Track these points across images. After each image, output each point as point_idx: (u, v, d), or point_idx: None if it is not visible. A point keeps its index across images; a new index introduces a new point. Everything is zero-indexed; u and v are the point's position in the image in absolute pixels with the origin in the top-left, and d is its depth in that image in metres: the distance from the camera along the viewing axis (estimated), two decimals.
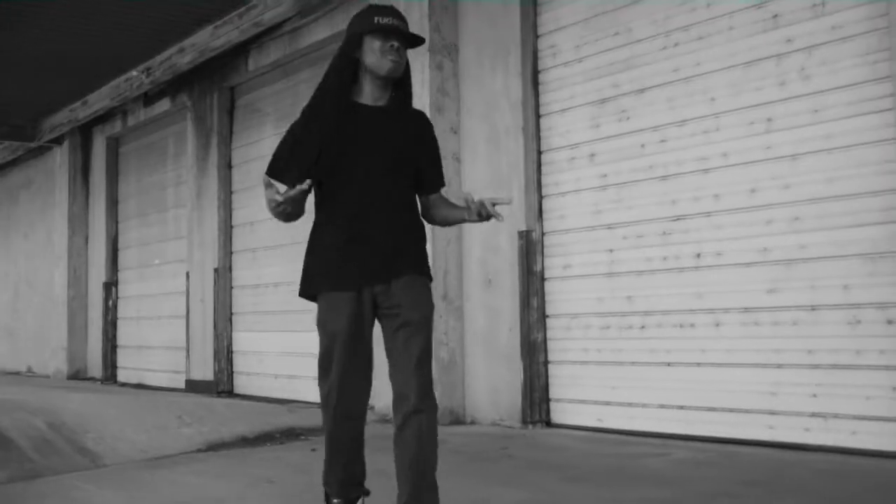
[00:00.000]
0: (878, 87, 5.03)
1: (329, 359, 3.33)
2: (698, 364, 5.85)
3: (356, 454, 3.46)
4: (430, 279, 3.43)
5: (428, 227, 3.58)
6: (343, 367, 3.30)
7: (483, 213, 3.28)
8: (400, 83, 3.42)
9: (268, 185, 3.21)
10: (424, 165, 3.47)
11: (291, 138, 3.39)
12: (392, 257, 3.31)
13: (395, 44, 3.29)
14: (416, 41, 3.38)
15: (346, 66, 3.34)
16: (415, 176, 3.45)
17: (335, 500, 3.49)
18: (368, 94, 3.37)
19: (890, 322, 4.96)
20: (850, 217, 5.15)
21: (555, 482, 4.71)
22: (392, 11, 3.34)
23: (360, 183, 3.31)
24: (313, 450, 6.00)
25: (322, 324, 3.35)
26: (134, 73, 11.12)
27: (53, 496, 4.77)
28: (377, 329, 3.39)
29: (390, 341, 3.32)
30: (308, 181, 3.16)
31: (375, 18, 3.29)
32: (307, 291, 3.46)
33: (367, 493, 3.58)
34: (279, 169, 3.36)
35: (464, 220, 3.44)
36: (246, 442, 6.41)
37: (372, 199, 3.31)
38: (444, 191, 3.61)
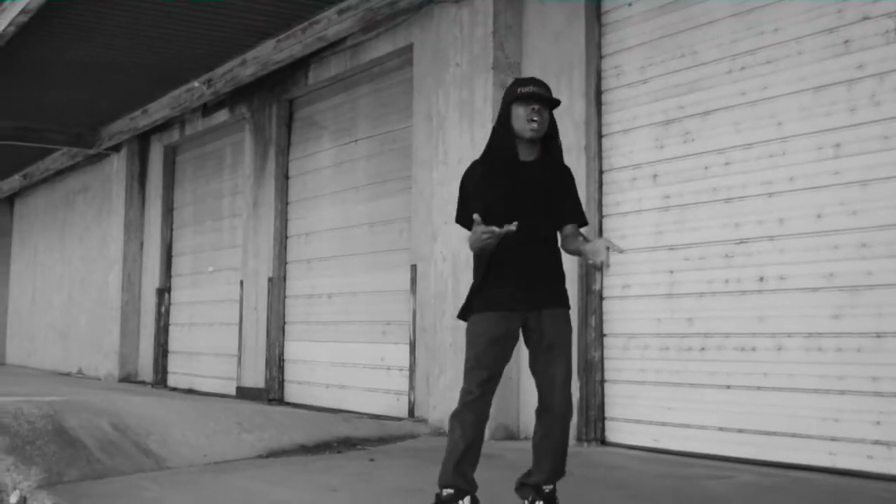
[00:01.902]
0: None
1: (476, 361, 4.04)
2: (759, 388, 5.84)
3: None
4: (568, 308, 4.17)
5: None
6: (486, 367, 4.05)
7: (597, 261, 3.92)
8: (548, 138, 4.11)
9: (478, 223, 3.84)
10: (562, 204, 4.14)
11: (468, 192, 4.12)
12: (542, 288, 4.05)
13: (537, 106, 3.97)
14: (555, 104, 4.07)
15: (503, 131, 4.08)
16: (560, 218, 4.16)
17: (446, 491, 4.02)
18: (520, 151, 4.07)
19: None
20: None
21: (618, 500, 4.74)
22: (533, 81, 4.08)
23: (514, 219, 3.84)
24: (372, 460, 6.08)
25: (476, 331, 4.07)
26: (196, 83, 11.32)
27: (124, 496, 4.89)
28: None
29: (536, 360, 4.12)
30: (516, 223, 3.79)
31: (519, 89, 4.03)
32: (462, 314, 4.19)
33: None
34: (463, 218, 4.08)
35: (581, 254, 4.09)
36: (305, 450, 6.50)
37: (528, 235, 3.93)
38: (586, 230, 4.31)
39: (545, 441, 4.09)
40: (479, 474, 4.09)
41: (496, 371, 4.03)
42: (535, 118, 3.95)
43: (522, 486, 4.20)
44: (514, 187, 4.02)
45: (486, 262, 4.02)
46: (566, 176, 4.23)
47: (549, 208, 4.08)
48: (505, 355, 4.05)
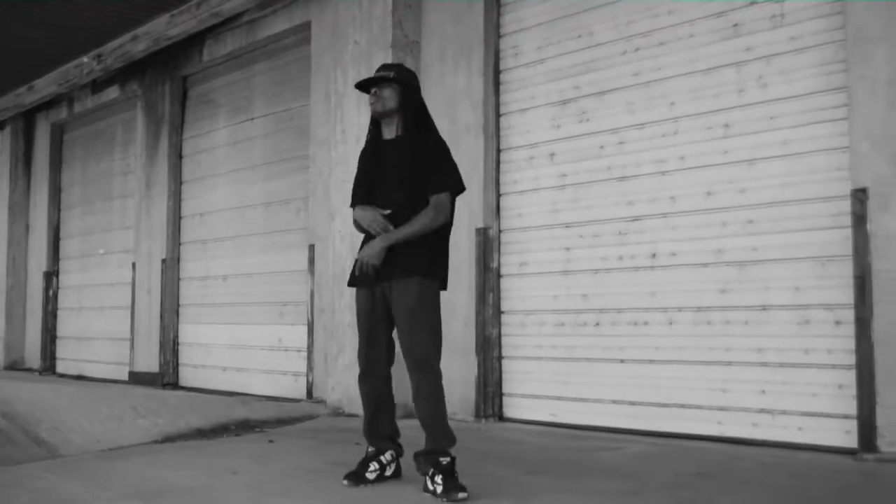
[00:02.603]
0: (833, 97, 5.23)
1: (358, 331, 4.51)
2: (651, 361, 6.01)
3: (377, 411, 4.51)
4: (422, 275, 4.29)
5: None
6: (362, 338, 4.49)
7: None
8: (404, 115, 4.42)
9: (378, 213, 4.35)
10: (423, 175, 4.33)
11: (356, 175, 4.61)
12: (388, 265, 4.30)
13: (374, 89, 4.43)
14: (395, 80, 4.41)
15: (372, 116, 4.53)
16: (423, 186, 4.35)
17: (369, 449, 4.52)
18: (385, 131, 4.50)
19: (838, 323, 5.16)
20: (802, 221, 5.35)
21: (514, 474, 4.81)
22: (381, 67, 4.52)
23: (381, 198, 4.37)
24: (271, 441, 6.02)
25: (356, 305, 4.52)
26: (85, 59, 10.96)
27: (15, 485, 4.71)
28: None
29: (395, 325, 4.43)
30: (388, 211, 4.31)
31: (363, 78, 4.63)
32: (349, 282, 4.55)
33: (399, 452, 4.55)
34: (353, 201, 4.52)
35: None
36: (202, 434, 6.40)
37: (382, 210, 4.34)
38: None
39: (416, 409, 4.31)
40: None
41: (372, 343, 4.42)
42: (371, 99, 4.43)
43: (416, 457, 4.37)
44: (374, 165, 4.46)
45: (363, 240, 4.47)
46: (425, 146, 4.40)
47: (406, 182, 4.31)
48: (376, 329, 4.40)
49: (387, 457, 4.50)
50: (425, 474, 4.25)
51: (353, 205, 4.51)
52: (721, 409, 5.63)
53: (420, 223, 4.28)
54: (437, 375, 4.29)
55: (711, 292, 5.73)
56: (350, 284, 4.50)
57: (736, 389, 5.57)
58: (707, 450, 5.39)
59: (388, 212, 4.30)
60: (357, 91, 7.47)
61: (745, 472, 4.76)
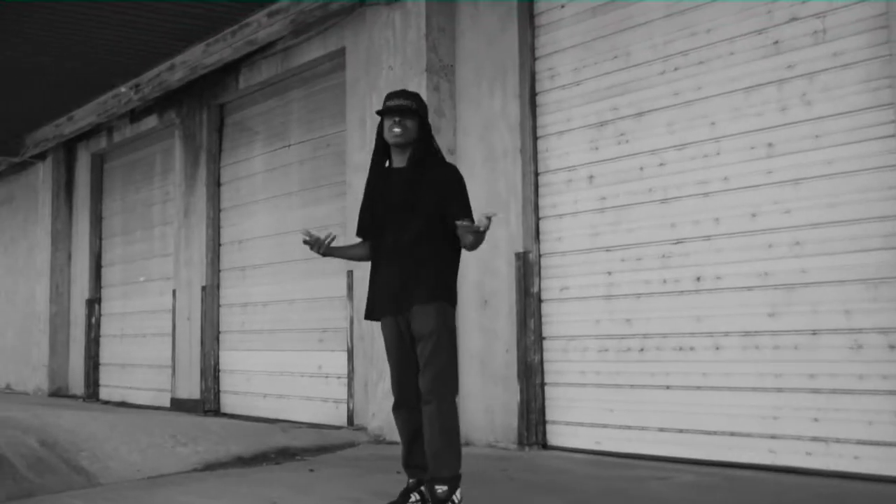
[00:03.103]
0: (880, 113, 5.09)
1: (388, 361, 4.56)
2: (698, 387, 5.87)
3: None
4: (443, 300, 4.36)
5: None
6: (393, 368, 4.55)
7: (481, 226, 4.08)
8: (418, 145, 4.44)
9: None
10: (444, 204, 4.36)
11: (362, 203, 4.60)
12: (407, 292, 4.35)
13: (397, 118, 4.39)
14: (420, 112, 4.45)
15: (378, 143, 4.55)
16: (442, 219, 4.36)
17: (409, 480, 4.52)
18: (395, 159, 4.51)
19: (892, 347, 4.99)
20: (851, 242, 5.20)
21: None
22: (399, 94, 4.51)
23: (394, 225, 4.40)
24: (311, 470, 5.96)
25: (384, 336, 4.56)
26: (122, 89, 11.06)
27: None
28: None
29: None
30: (333, 234, 4.52)
31: (386, 103, 4.48)
32: (367, 315, 4.61)
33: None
34: (360, 230, 4.58)
35: (469, 239, 4.24)
36: (242, 462, 6.35)
37: (394, 239, 4.40)
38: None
39: (427, 433, 4.29)
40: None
41: (404, 373, 4.46)
42: (396, 129, 4.38)
43: (424, 488, 4.41)
44: (388, 194, 4.44)
45: (372, 269, 4.55)
46: (443, 177, 4.45)
47: (418, 211, 4.35)
48: (406, 357, 4.43)
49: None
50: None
51: (359, 235, 4.58)
52: (772, 437, 5.47)
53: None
54: (446, 401, 4.29)
55: (759, 316, 5.58)
56: (370, 318, 4.55)
57: (787, 417, 5.41)
58: (758, 479, 5.23)
59: (329, 234, 4.50)
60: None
61: None
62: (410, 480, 4.49)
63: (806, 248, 5.40)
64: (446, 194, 4.38)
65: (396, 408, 4.50)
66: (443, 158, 4.58)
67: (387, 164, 4.57)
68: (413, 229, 4.35)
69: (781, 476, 5.29)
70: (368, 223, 4.53)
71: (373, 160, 4.58)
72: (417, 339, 4.32)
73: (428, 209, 4.35)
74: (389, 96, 4.51)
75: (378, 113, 4.49)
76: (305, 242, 4.46)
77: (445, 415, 4.25)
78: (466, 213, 4.37)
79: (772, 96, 5.60)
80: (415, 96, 4.50)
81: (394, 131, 4.39)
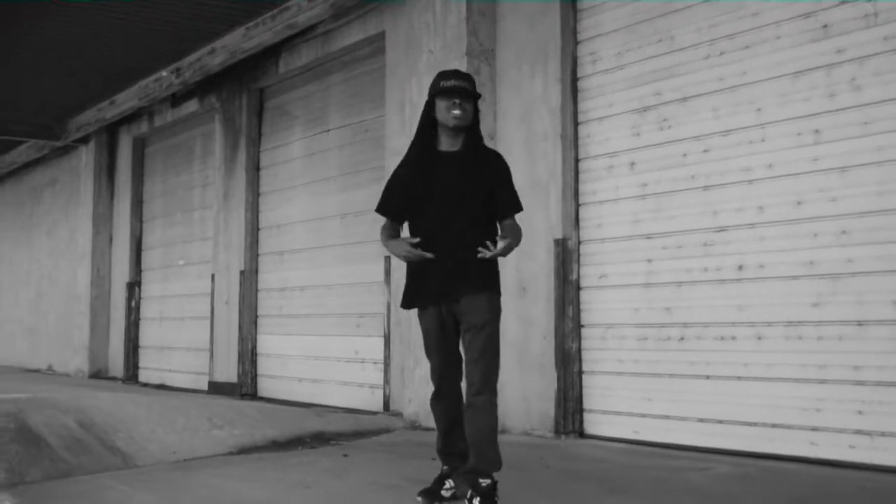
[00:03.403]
0: None
1: (427, 352, 4.43)
2: (739, 378, 5.76)
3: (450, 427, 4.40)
4: (494, 290, 4.32)
5: None
6: (434, 359, 4.43)
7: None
8: (471, 129, 4.33)
9: (407, 241, 4.29)
10: (494, 195, 4.29)
11: (392, 181, 4.48)
12: (457, 281, 4.22)
13: (458, 100, 4.21)
14: (476, 96, 4.32)
15: (425, 124, 4.35)
16: (490, 205, 4.29)
17: (444, 467, 4.45)
18: (444, 142, 4.33)
19: None
20: None
21: (597, 493, 4.64)
22: (455, 74, 4.32)
23: (435, 213, 4.25)
24: (345, 455, 5.95)
25: (422, 327, 4.45)
26: (164, 73, 11.11)
27: (88, 496, 4.73)
28: None
29: (461, 344, 4.36)
30: (418, 239, 4.24)
31: (441, 83, 4.28)
32: (406, 304, 4.48)
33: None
34: (385, 208, 4.47)
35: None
36: (277, 446, 6.35)
37: (442, 225, 4.24)
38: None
39: (468, 426, 4.21)
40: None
41: (447, 363, 4.36)
42: (456, 111, 4.20)
43: (456, 476, 4.35)
44: (435, 178, 4.27)
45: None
46: (494, 164, 4.36)
47: (470, 198, 4.24)
48: (450, 347, 4.36)
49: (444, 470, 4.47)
50: (463, 496, 4.18)
51: (383, 213, 4.47)
52: (814, 429, 5.35)
53: (518, 235, 4.32)
54: (495, 395, 4.23)
55: (803, 306, 5.46)
56: (410, 306, 4.43)
57: (830, 409, 5.29)
58: (800, 472, 5.12)
59: (418, 240, 4.23)
60: None
61: (846, 498, 4.51)
62: (445, 468, 4.44)
63: (852, 237, 5.27)
64: (497, 182, 4.31)
65: (437, 397, 4.43)
66: (483, 142, 4.48)
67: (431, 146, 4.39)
68: (465, 216, 4.22)
69: (823, 469, 5.18)
70: (406, 205, 4.36)
71: (417, 140, 4.39)
72: (466, 330, 4.22)
73: (480, 196, 4.25)
74: (445, 75, 4.32)
75: (434, 94, 4.28)
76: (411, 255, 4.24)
77: (494, 408, 4.20)
78: (514, 202, 4.35)
79: (820, 81, 5.46)
80: (470, 78, 4.35)
81: (454, 113, 4.22)
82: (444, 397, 4.40)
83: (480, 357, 4.17)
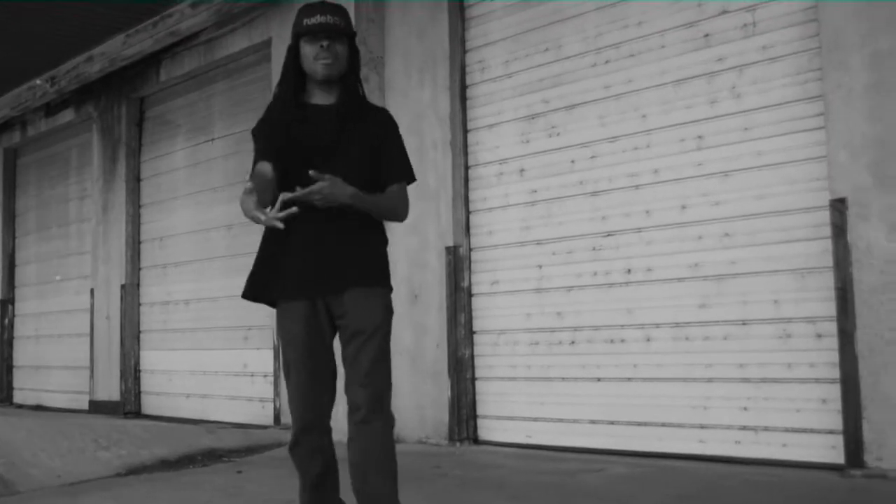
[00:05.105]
0: (809, 105, 5.15)
1: (287, 368, 3.27)
2: (629, 379, 5.88)
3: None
4: (387, 286, 3.37)
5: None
6: (300, 376, 3.26)
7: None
8: (348, 78, 3.34)
9: (261, 179, 3.18)
10: (379, 157, 3.34)
11: (255, 144, 3.39)
12: (342, 267, 3.25)
13: (325, 43, 3.21)
14: (351, 35, 3.32)
15: (290, 75, 3.34)
16: (375, 171, 3.33)
17: None
18: (315, 94, 3.34)
19: (819, 336, 5.06)
20: (780, 233, 5.25)
21: (498, 501, 4.65)
22: (321, 7, 3.26)
23: (305, 180, 3.11)
24: (239, 472, 5.82)
25: (280, 332, 3.32)
26: (38, 81, 10.68)
27: None
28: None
29: (343, 352, 3.29)
30: (294, 209, 3.04)
31: (304, 21, 3.25)
32: (252, 294, 3.38)
33: None
34: (258, 148, 3.35)
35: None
36: (167, 465, 6.16)
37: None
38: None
39: (356, 468, 3.20)
40: None
41: (318, 384, 3.25)
42: (325, 57, 3.22)
43: None
44: (303, 133, 3.26)
45: (270, 231, 3.25)
46: (380, 119, 3.41)
47: (353, 157, 3.27)
48: (323, 362, 3.27)
49: None
50: None
51: (257, 155, 3.33)
52: (702, 427, 5.51)
53: (390, 205, 3.34)
54: (392, 419, 3.28)
55: (690, 307, 5.62)
56: (258, 298, 3.36)
57: (717, 406, 5.45)
58: (690, 469, 5.26)
59: (294, 208, 3.04)
60: None
61: (732, 492, 4.64)
62: None
63: (735, 239, 5.44)
64: (383, 141, 3.35)
65: (307, 433, 3.24)
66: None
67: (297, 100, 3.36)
68: (346, 181, 3.17)
69: (712, 465, 5.32)
70: (271, 153, 3.27)
71: (279, 93, 3.37)
72: (351, 335, 3.21)
73: (363, 158, 3.28)
74: (309, 10, 3.26)
75: (296, 34, 3.27)
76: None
77: (391, 438, 3.27)
78: (404, 166, 3.40)
79: (702, 89, 5.63)
80: (342, 11, 3.30)
81: (322, 61, 3.22)
82: (315, 432, 3.26)
83: (371, 372, 3.18)
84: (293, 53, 3.31)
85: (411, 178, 3.43)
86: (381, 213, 3.33)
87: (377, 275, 3.33)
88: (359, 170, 3.25)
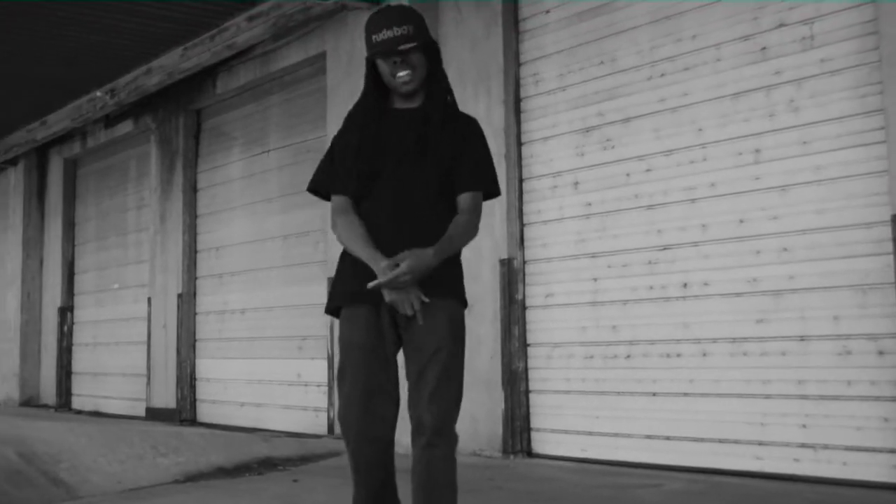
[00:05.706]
0: (868, 120, 5.09)
1: (342, 373, 3.08)
2: (685, 394, 5.84)
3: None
4: (461, 299, 3.15)
5: None
6: (356, 384, 3.04)
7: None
8: (432, 82, 3.20)
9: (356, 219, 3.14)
10: (457, 166, 3.14)
11: (331, 151, 3.32)
12: None
13: (398, 59, 3.10)
14: (426, 42, 3.16)
15: (369, 87, 3.24)
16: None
17: None
18: (398, 100, 3.25)
19: (881, 353, 4.99)
20: (839, 248, 5.19)
21: None
22: (386, 20, 3.13)
23: (386, 187, 3.10)
24: (295, 481, 5.87)
25: (340, 338, 3.15)
26: (98, 93, 10.90)
27: None
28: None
29: (407, 367, 3.09)
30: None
31: (373, 37, 3.14)
32: (329, 306, 3.24)
33: None
34: (320, 181, 3.31)
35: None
36: (224, 473, 6.25)
37: (396, 203, 3.10)
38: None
39: (416, 475, 3.01)
40: None
41: (376, 392, 3.01)
42: (402, 72, 3.12)
43: None
44: (385, 136, 3.16)
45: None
46: (465, 128, 3.23)
47: (433, 165, 3.11)
48: (382, 371, 3.05)
49: None
50: None
51: (323, 188, 3.31)
52: (760, 443, 5.45)
53: (461, 231, 3.11)
54: (455, 445, 3.06)
55: (747, 323, 5.57)
56: (330, 311, 3.22)
57: (775, 423, 5.39)
58: (747, 486, 5.21)
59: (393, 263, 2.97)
60: None
61: None
62: None
63: (794, 254, 5.39)
64: (465, 149, 3.16)
65: (363, 442, 3.01)
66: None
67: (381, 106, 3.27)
68: (426, 185, 3.10)
69: (769, 483, 5.27)
70: (356, 175, 3.16)
71: (362, 100, 3.26)
72: (417, 349, 3.03)
73: (445, 163, 3.12)
74: (375, 25, 3.15)
75: (370, 54, 3.18)
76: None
77: (453, 464, 3.03)
78: (484, 175, 3.19)
79: (759, 102, 5.59)
80: (413, 18, 3.15)
81: (400, 77, 3.12)
82: (371, 444, 3.02)
83: (437, 392, 2.97)
84: (371, 70, 3.23)
85: (488, 188, 3.22)
86: (461, 245, 3.14)
87: (449, 285, 3.10)
88: (444, 173, 3.12)
